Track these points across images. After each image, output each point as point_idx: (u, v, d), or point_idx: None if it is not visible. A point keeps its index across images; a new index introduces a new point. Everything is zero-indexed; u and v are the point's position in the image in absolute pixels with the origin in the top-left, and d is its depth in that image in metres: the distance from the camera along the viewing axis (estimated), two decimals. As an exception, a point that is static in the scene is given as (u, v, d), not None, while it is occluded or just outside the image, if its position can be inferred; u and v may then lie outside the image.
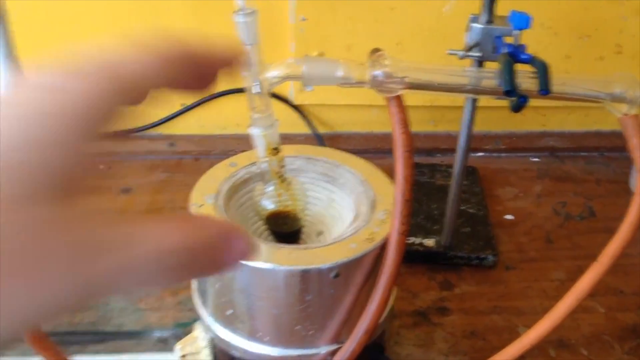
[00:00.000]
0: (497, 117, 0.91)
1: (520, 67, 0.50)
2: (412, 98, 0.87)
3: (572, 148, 0.90)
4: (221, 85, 0.84)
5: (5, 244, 0.17)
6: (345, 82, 0.47)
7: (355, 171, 0.56)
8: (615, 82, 0.46)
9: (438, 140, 0.90)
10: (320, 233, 0.56)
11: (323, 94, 0.86)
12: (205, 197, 0.52)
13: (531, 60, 0.48)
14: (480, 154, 0.90)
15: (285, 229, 0.52)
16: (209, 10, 0.80)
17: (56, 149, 0.19)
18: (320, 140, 0.87)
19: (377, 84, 0.47)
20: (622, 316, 0.64)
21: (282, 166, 0.51)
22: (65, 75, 0.20)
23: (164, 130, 0.88)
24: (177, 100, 0.87)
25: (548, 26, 0.82)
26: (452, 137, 0.91)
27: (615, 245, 0.48)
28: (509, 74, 0.45)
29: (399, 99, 0.48)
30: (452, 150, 0.90)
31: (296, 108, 0.87)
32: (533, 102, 0.95)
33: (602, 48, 0.84)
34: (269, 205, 0.51)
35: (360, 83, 0.47)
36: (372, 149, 0.89)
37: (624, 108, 0.47)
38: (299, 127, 0.88)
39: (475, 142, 0.90)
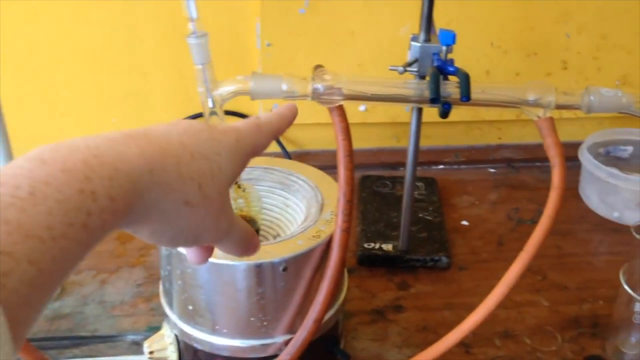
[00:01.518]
0: (457, 132, 0.97)
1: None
2: (376, 116, 0.93)
3: (527, 159, 0.96)
4: (197, 106, 0.88)
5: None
6: (290, 96, 0.53)
7: (307, 178, 0.61)
8: (531, 89, 0.52)
9: (400, 155, 0.94)
10: (276, 236, 0.61)
11: (290, 114, 0.91)
12: (169, 203, 0.57)
13: (456, 72, 0.53)
14: (441, 166, 0.95)
15: (243, 231, 0.57)
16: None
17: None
18: (289, 158, 0.92)
19: (318, 96, 0.52)
20: (564, 309, 0.69)
21: (237, 173, 0.56)
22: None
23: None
24: (154, 123, 0.92)
25: (497, 45, 0.88)
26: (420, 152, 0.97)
27: (537, 235, 0.53)
28: (434, 83, 0.51)
29: (340, 109, 0.53)
30: (419, 164, 0.96)
31: (266, 128, 0.93)
32: (490, 117, 1.00)
33: (549, 65, 0.90)
34: (226, 209, 0.56)
35: (303, 96, 0.52)
36: (338, 164, 0.94)
37: (539, 112, 0.52)
38: (268, 146, 0.93)
39: (435, 156, 0.96)
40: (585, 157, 0.84)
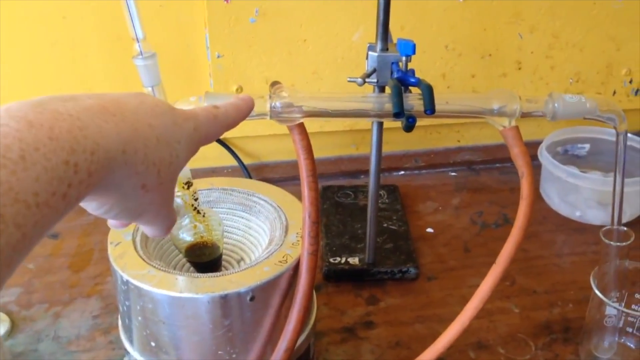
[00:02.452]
0: (416, 137, 0.96)
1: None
2: (334, 124, 0.91)
3: (487, 160, 0.95)
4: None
5: None
6: (247, 115, 0.50)
7: (268, 198, 0.58)
8: (494, 98, 0.51)
9: (360, 163, 0.94)
10: (240, 260, 0.59)
11: (246, 126, 0.87)
12: (123, 234, 0.53)
13: (418, 83, 0.52)
14: (402, 172, 0.94)
15: (205, 259, 0.54)
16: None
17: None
18: (246, 171, 0.89)
19: (276, 115, 0.50)
20: (535, 314, 0.68)
21: (196, 199, 0.53)
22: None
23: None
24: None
25: (452, 48, 0.87)
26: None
27: (509, 247, 0.52)
28: (397, 97, 0.49)
29: (301, 126, 0.51)
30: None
31: (221, 141, 0.90)
32: (447, 121, 1.00)
33: (503, 65, 0.90)
34: (186, 237, 0.53)
35: (260, 115, 0.50)
36: (298, 175, 0.91)
37: (504, 121, 0.51)
38: (225, 159, 0.90)
39: (395, 162, 0.95)
40: (544, 156, 0.84)
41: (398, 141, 0.95)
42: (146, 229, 0.39)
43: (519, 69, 0.91)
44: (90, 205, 0.33)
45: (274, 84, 0.52)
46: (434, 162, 0.95)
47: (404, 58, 0.55)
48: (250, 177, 0.89)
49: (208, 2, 0.78)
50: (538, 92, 0.93)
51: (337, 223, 0.80)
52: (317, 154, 0.94)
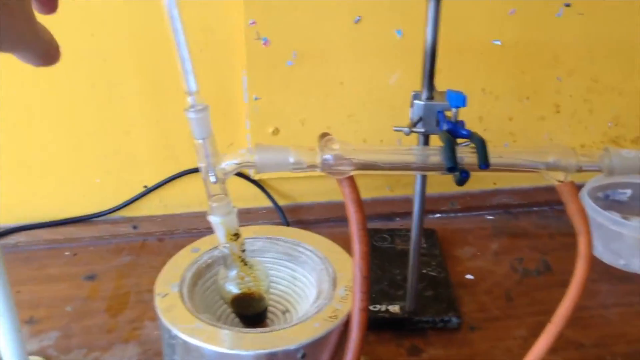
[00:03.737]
0: (451, 179, 0.95)
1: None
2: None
3: (524, 204, 0.94)
4: (181, 164, 0.86)
5: None
6: (297, 168, 0.49)
7: (314, 249, 0.57)
8: (550, 152, 0.50)
9: (395, 205, 0.93)
10: (286, 311, 0.57)
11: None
12: (170, 285, 0.53)
13: (470, 136, 0.51)
14: (437, 215, 0.93)
15: (251, 311, 0.53)
16: (164, 100, 0.83)
17: None
18: (281, 212, 0.89)
19: (327, 167, 0.49)
20: (583, 369, 0.66)
21: (243, 250, 0.52)
22: None
23: (126, 213, 0.89)
24: (138, 182, 0.88)
25: (489, 91, 0.87)
26: (409, 201, 0.94)
27: (566, 306, 0.50)
28: (450, 151, 0.48)
29: (351, 179, 0.50)
30: (410, 214, 0.92)
31: (255, 183, 0.89)
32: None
33: (541, 108, 0.89)
34: (233, 289, 0.53)
35: (311, 167, 0.49)
36: (333, 217, 0.91)
37: (559, 176, 0.50)
38: (260, 201, 0.90)
39: (431, 204, 0.94)
40: (586, 202, 0.83)
41: (433, 183, 0.94)
42: (21, 59, 0.35)
43: (558, 112, 0.90)
44: None
45: (323, 135, 0.51)
46: (471, 205, 0.94)
47: (453, 110, 0.54)
48: (286, 219, 0.88)
49: (247, 46, 0.79)
50: (576, 136, 0.92)
51: (375, 268, 0.79)
52: (352, 196, 0.94)
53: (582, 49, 0.85)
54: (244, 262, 0.53)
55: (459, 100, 0.52)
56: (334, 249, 0.57)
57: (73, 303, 0.75)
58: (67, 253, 0.85)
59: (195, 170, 0.88)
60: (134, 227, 0.88)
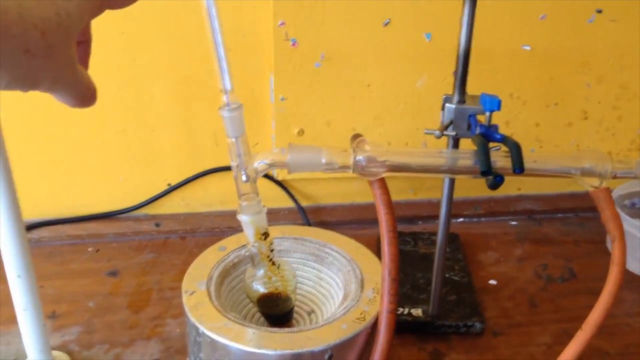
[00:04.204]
0: (475, 183, 0.93)
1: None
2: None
3: (549, 210, 0.93)
4: (205, 163, 0.86)
5: None
6: (329, 168, 0.49)
7: (341, 250, 0.57)
8: (585, 158, 0.49)
9: (418, 208, 0.92)
10: (311, 312, 0.57)
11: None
12: (197, 283, 0.53)
13: (504, 140, 0.50)
14: (461, 219, 0.92)
15: (277, 310, 0.53)
16: (197, 100, 0.83)
17: None
18: (303, 213, 0.89)
19: (360, 169, 0.49)
20: (610, 379, 0.65)
21: (272, 250, 0.52)
22: None
23: (149, 210, 0.89)
24: (162, 181, 0.88)
25: (517, 96, 0.86)
26: (432, 204, 0.94)
27: (597, 313, 0.50)
28: (484, 154, 0.48)
29: (382, 181, 0.50)
30: (433, 217, 0.92)
31: (279, 183, 0.89)
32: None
33: (569, 115, 0.88)
34: (260, 288, 0.52)
35: (343, 168, 0.49)
36: (355, 219, 0.91)
37: (594, 182, 0.49)
38: (283, 201, 0.90)
39: (455, 209, 0.92)
40: (612, 210, 0.82)
41: (457, 187, 0.93)
42: (58, 98, 0.36)
43: (585, 118, 0.89)
44: None
45: (356, 136, 0.51)
46: (494, 210, 0.93)
47: (487, 113, 0.53)
48: (308, 220, 0.88)
49: (275, 46, 0.79)
50: (604, 143, 0.91)
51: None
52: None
53: (612, 55, 0.84)
54: (272, 262, 0.53)
55: (494, 104, 0.52)
56: (361, 251, 0.57)
57: (95, 299, 0.75)
58: (90, 249, 0.85)
59: (218, 170, 0.88)
60: (157, 225, 0.88)
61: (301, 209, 0.89)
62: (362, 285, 0.53)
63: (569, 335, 0.71)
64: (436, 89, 0.84)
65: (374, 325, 0.49)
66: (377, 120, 0.86)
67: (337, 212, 0.92)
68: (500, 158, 0.49)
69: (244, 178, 0.49)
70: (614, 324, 0.73)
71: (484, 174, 0.47)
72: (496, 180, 0.48)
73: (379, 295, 0.50)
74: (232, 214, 0.89)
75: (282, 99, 0.82)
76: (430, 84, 0.84)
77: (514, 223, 0.92)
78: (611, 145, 0.91)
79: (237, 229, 0.89)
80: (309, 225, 0.87)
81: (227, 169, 0.87)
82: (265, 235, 0.52)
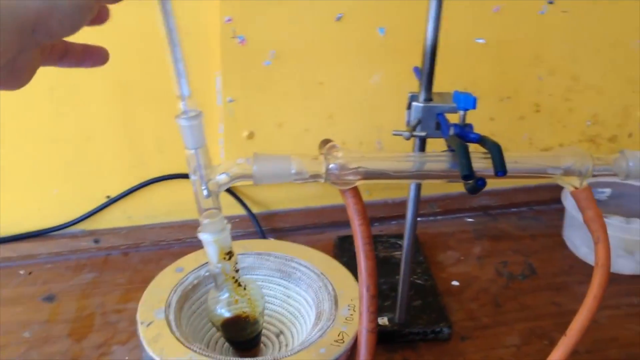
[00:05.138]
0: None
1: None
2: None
3: (504, 205, 0.92)
4: (148, 172, 0.79)
5: None
6: (299, 178, 0.45)
7: (309, 264, 0.53)
8: (565, 156, 0.47)
9: (374, 210, 0.89)
10: (279, 333, 0.53)
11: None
12: (154, 312, 0.47)
13: (481, 140, 0.48)
14: (418, 219, 0.89)
15: (245, 335, 0.49)
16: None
17: None
18: (255, 221, 0.84)
19: (334, 178, 0.45)
20: (581, 378, 0.64)
21: (237, 270, 0.47)
22: None
23: (87, 226, 0.82)
24: (100, 193, 0.81)
25: (471, 90, 0.84)
26: (388, 205, 0.91)
27: (582, 318, 0.48)
28: (465, 157, 0.44)
29: (355, 190, 0.46)
30: (390, 219, 0.90)
31: (228, 190, 0.84)
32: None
33: (522, 108, 0.87)
34: (225, 312, 0.48)
35: (315, 177, 0.45)
36: (310, 224, 0.87)
37: (575, 181, 0.47)
38: (233, 209, 0.85)
39: (411, 208, 0.90)
40: (568, 201, 0.81)
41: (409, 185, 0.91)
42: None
43: (538, 111, 0.88)
44: None
45: (325, 142, 0.47)
46: (450, 208, 0.91)
47: (461, 112, 0.50)
48: (261, 227, 0.83)
49: (222, 44, 0.73)
50: (555, 136, 0.91)
51: (355, 277, 0.75)
52: (329, 201, 0.90)
53: (564, 47, 0.84)
54: (238, 283, 0.48)
55: (469, 102, 0.49)
56: (332, 264, 0.53)
57: (31, 328, 0.68)
58: (21, 272, 0.77)
59: (163, 179, 0.82)
60: (96, 241, 0.81)
61: (253, 216, 0.84)
62: (336, 302, 0.49)
63: (536, 335, 0.70)
64: (391, 85, 0.81)
65: (353, 347, 0.46)
66: (331, 119, 0.82)
67: (291, 217, 0.87)
68: (478, 160, 0.46)
69: (205, 193, 0.44)
70: (580, 320, 0.72)
71: (466, 178, 0.44)
72: (477, 185, 0.45)
73: (356, 313, 0.46)
74: (180, 226, 0.84)
75: (230, 101, 0.77)
76: (385, 81, 0.81)
77: (470, 220, 0.91)
78: (562, 137, 0.91)
79: (184, 241, 0.84)
80: (262, 233, 0.83)
81: (172, 177, 0.81)
82: (230, 254, 0.47)
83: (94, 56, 0.43)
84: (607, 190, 0.88)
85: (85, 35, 0.39)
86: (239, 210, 0.85)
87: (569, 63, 0.85)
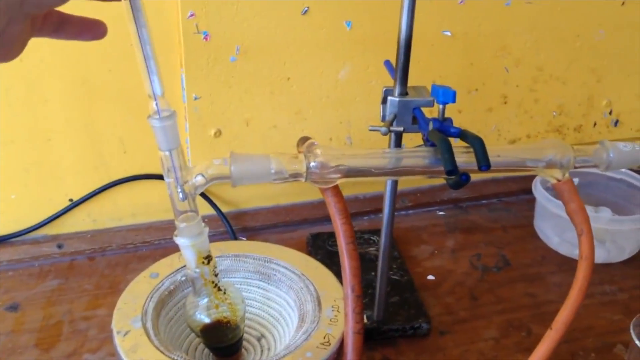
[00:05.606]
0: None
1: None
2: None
3: (473, 197, 0.92)
4: (112, 173, 0.76)
5: None
6: (279, 178, 0.43)
7: (289, 265, 0.52)
8: (547, 148, 0.46)
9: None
10: (261, 337, 0.51)
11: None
12: (131, 320, 0.45)
13: (462, 135, 0.47)
14: (389, 214, 0.89)
15: (226, 341, 0.47)
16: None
17: None
18: (225, 220, 0.82)
19: (315, 176, 0.43)
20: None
21: (216, 274, 0.46)
22: None
23: (49, 230, 0.79)
24: (62, 196, 0.78)
25: (439, 83, 0.84)
26: (359, 200, 0.90)
27: (567, 311, 0.48)
28: (448, 153, 0.44)
29: (336, 188, 0.45)
30: (361, 214, 0.89)
31: (196, 189, 0.82)
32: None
33: (489, 100, 0.87)
34: (204, 318, 0.46)
35: (295, 177, 0.43)
36: (280, 222, 0.85)
37: (557, 173, 0.47)
38: (202, 208, 0.82)
39: (382, 203, 0.90)
40: (539, 191, 0.82)
41: (382, 181, 0.90)
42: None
43: (505, 103, 0.88)
44: None
45: (304, 139, 0.46)
46: (421, 202, 0.91)
47: (441, 106, 0.50)
48: (231, 227, 0.81)
49: (185, 40, 0.71)
50: (522, 127, 0.91)
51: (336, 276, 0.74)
52: (300, 198, 0.89)
53: (529, 38, 0.84)
54: (218, 287, 0.46)
55: (448, 96, 0.48)
56: (310, 264, 0.52)
57: (-5, 339, 0.65)
58: (-20, 281, 0.74)
59: (128, 180, 0.79)
60: (59, 247, 0.78)
61: (223, 216, 0.82)
62: (319, 303, 0.48)
63: (513, 327, 0.70)
64: (359, 79, 0.80)
65: (340, 349, 0.44)
66: (299, 115, 0.81)
67: (261, 216, 0.86)
68: (460, 154, 0.46)
69: (180, 196, 0.42)
70: (554, 310, 0.71)
71: (450, 173, 0.43)
72: (461, 179, 0.44)
73: (340, 314, 0.45)
74: (147, 227, 0.81)
75: (195, 98, 0.75)
76: (353, 75, 0.80)
77: (441, 213, 0.90)
78: (529, 128, 0.92)
79: (152, 243, 0.81)
80: (233, 232, 0.81)
81: (138, 178, 0.79)
82: (208, 258, 0.45)
83: (92, 29, 0.41)
84: (575, 180, 0.88)
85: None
86: (208, 210, 0.83)
87: (534, 54, 0.85)
